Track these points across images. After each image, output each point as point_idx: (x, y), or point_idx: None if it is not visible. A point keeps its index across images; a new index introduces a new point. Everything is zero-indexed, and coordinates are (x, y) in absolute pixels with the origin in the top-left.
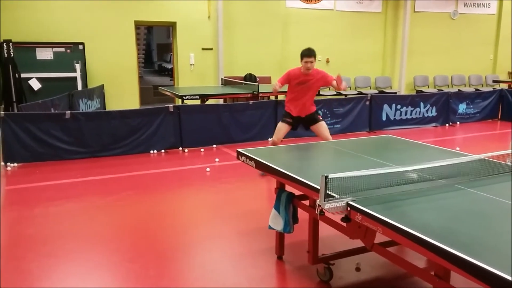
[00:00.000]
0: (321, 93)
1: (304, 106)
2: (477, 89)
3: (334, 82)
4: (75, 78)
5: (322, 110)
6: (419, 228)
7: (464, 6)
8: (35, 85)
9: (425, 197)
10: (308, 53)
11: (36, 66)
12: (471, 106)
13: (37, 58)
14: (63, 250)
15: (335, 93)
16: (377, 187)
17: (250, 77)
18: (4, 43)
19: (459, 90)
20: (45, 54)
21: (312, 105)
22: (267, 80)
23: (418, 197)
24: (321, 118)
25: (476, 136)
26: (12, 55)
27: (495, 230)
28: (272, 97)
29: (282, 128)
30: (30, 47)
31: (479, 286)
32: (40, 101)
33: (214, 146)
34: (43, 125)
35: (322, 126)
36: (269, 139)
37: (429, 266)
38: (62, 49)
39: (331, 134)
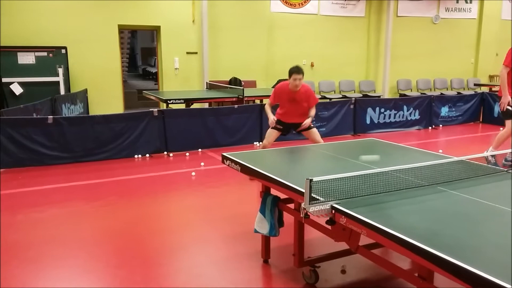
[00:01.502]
0: None
1: (296, 117)
2: (459, 93)
3: (310, 114)
4: (58, 82)
5: None
6: (403, 230)
7: (446, 10)
8: (17, 89)
9: (408, 199)
10: (296, 70)
11: (17, 70)
12: (453, 109)
13: (19, 62)
14: (47, 256)
15: (320, 96)
16: (361, 189)
17: (235, 81)
18: None
19: (441, 93)
20: (27, 58)
21: (305, 116)
22: (252, 84)
23: (401, 199)
24: (312, 125)
25: (458, 139)
26: None
27: (478, 231)
28: (258, 101)
29: (272, 133)
30: (12, 51)
31: (462, 287)
32: (22, 106)
33: (200, 150)
34: (25, 130)
35: (314, 131)
36: (255, 143)
37: (413, 267)
38: (45, 53)
39: None
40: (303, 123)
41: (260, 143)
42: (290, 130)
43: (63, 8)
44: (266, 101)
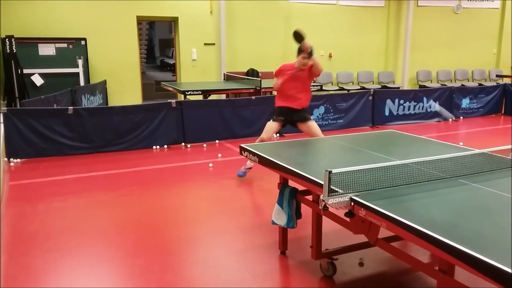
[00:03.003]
0: (323, 88)
1: (299, 99)
2: (480, 84)
3: (310, 63)
4: (77, 73)
5: (325, 105)
6: (423, 223)
7: (468, 0)
8: (38, 80)
9: (429, 192)
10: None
11: (38, 61)
12: (475, 101)
13: (40, 53)
14: (66, 246)
15: (338, 88)
16: (381, 181)
17: (252, 72)
18: (7, 39)
19: (462, 84)
20: (47, 50)
21: (307, 99)
22: (270, 75)
23: (422, 192)
24: (311, 117)
25: (479, 131)
26: (14, 51)
27: (499, 224)
28: (275, 92)
29: (273, 126)
30: (33, 42)
31: (483, 280)
32: (42, 96)
33: (217, 141)
34: (46, 121)
35: (313, 125)
36: (273, 135)
37: (432, 260)
38: (65, 45)
39: (333, 129)
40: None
41: (277, 135)
42: (290, 120)
43: (83, 0)
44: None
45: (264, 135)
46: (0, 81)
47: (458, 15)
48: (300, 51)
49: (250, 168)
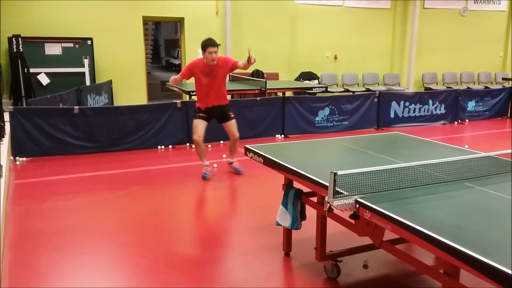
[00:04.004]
0: (328, 89)
1: (214, 97)
2: (486, 87)
3: (241, 63)
4: (83, 73)
5: (330, 107)
6: (429, 225)
7: (474, 2)
8: (44, 80)
9: (434, 194)
10: (211, 43)
11: (45, 61)
12: (480, 103)
13: (46, 53)
14: (71, 244)
15: (343, 89)
16: (386, 184)
17: (257, 73)
18: (14, 38)
19: (468, 87)
20: (54, 49)
21: (225, 97)
22: (275, 76)
23: (427, 194)
24: (233, 115)
25: (485, 134)
26: (21, 50)
27: (505, 228)
28: (280, 93)
29: (199, 124)
30: (39, 42)
31: (489, 284)
32: (48, 96)
33: (221, 142)
34: (52, 120)
35: (233, 124)
36: (278, 136)
37: (437, 263)
38: (71, 44)
39: (338, 131)
40: (248, 58)
41: (282, 136)
42: (212, 117)
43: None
44: (287, 94)
45: (195, 135)
46: (6, 80)
47: (464, 17)
48: (205, 46)
49: (207, 165)
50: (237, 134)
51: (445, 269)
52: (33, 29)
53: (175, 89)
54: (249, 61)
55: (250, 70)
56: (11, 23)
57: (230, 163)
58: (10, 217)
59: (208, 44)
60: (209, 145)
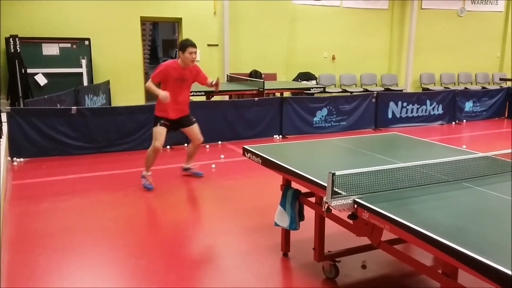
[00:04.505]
0: (326, 90)
1: (182, 105)
2: (483, 87)
3: (209, 80)
4: (81, 73)
5: (328, 107)
6: (427, 226)
7: (472, 3)
8: (41, 80)
9: (432, 195)
10: (192, 43)
11: (42, 61)
12: (478, 104)
13: (43, 53)
14: (70, 245)
15: (341, 90)
16: (384, 184)
17: (255, 74)
18: (11, 38)
19: (465, 88)
20: (51, 50)
21: (188, 105)
22: (273, 76)
23: (425, 194)
24: (194, 119)
25: (482, 135)
26: (18, 51)
27: (503, 228)
28: (278, 94)
29: (162, 132)
30: (37, 42)
31: (487, 284)
32: (46, 96)
33: (219, 142)
34: (49, 121)
35: (196, 127)
36: (276, 136)
37: (436, 264)
38: (68, 45)
39: (336, 132)
40: (214, 82)
41: (280, 136)
42: (177, 125)
43: (87, 0)
44: (286, 93)
45: (157, 142)
46: (4, 80)
47: (462, 18)
48: (186, 46)
49: (150, 175)
50: (201, 138)
51: (443, 270)
52: (31, 29)
53: None
54: (212, 85)
55: (248, 70)
56: (8, 23)
57: (187, 169)
58: (8, 218)
59: (189, 44)
60: (207, 146)
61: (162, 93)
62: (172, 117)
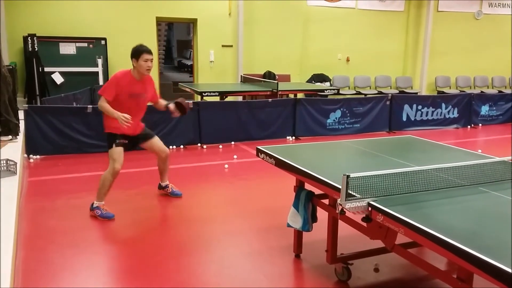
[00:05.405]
0: (340, 92)
1: (138, 120)
2: (500, 91)
3: (163, 103)
4: (97, 72)
5: (341, 109)
6: (443, 230)
7: (489, 6)
8: (58, 79)
9: (448, 199)
10: (147, 49)
11: (59, 60)
12: (494, 108)
13: (61, 52)
14: (84, 242)
15: (355, 92)
16: (399, 187)
17: (269, 75)
18: (29, 37)
19: (481, 91)
20: (68, 49)
21: (141, 122)
22: (286, 78)
23: (440, 198)
24: (152, 132)
25: (498, 139)
26: (36, 49)
27: None
28: (291, 95)
29: (121, 151)
30: (54, 41)
31: None
32: (62, 95)
33: (233, 143)
34: (65, 119)
35: (157, 140)
36: (289, 137)
37: (450, 268)
38: (85, 44)
39: (349, 134)
40: (173, 109)
41: (293, 137)
42: (136, 141)
43: (104, 0)
44: (299, 94)
45: (116, 164)
46: (21, 78)
47: (478, 21)
48: (140, 52)
49: (102, 204)
50: (167, 149)
51: (458, 274)
52: (48, 28)
53: (187, 89)
54: (171, 110)
55: (261, 71)
56: (26, 23)
57: (164, 187)
58: (24, 214)
59: (144, 50)
60: (220, 146)
61: (121, 116)
62: (129, 133)
